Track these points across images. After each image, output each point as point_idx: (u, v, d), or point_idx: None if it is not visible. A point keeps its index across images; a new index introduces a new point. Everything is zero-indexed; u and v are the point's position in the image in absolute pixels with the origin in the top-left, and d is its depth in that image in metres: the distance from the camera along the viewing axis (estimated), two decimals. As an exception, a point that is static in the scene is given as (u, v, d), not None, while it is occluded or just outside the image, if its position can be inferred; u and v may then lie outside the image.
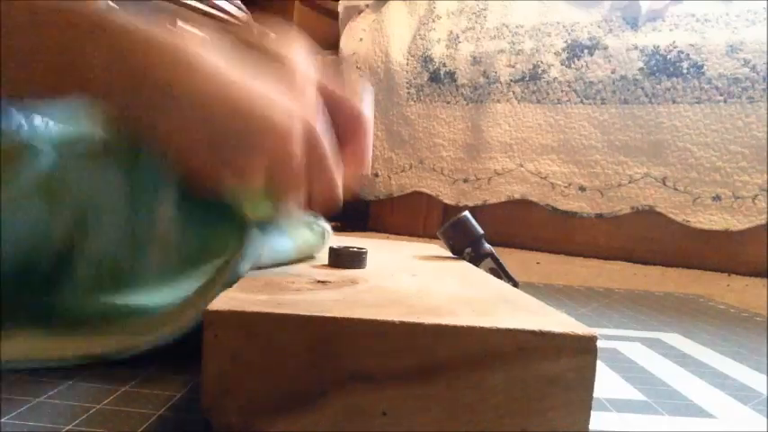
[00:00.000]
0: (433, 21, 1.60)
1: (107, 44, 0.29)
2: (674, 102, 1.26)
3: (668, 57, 1.26)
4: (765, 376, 0.46)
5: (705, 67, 1.22)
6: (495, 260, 0.50)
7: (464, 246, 0.50)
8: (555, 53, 1.40)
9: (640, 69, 1.29)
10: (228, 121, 0.30)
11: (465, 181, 1.50)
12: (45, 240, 0.34)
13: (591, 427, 0.23)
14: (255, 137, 0.30)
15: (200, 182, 0.32)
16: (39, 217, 0.34)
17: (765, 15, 1.19)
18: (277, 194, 0.32)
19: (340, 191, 0.33)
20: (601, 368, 0.43)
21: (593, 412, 0.23)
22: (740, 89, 1.19)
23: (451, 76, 1.53)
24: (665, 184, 1.26)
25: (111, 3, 0.31)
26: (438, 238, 0.52)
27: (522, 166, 1.42)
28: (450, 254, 0.51)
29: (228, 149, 0.30)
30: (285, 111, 0.31)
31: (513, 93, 1.44)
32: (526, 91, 1.43)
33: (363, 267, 0.37)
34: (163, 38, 0.30)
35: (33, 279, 0.35)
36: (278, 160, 0.30)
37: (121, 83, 0.30)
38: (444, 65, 1.54)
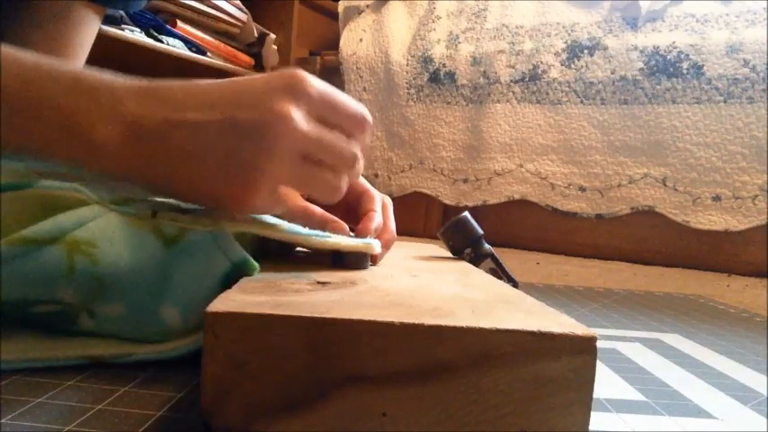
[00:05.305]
0: (433, 21, 1.60)
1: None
2: (673, 102, 1.26)
3: (668, 57, 1.26)
4: (765, 376, 0.46)
5: (705, 68, 1.22)
6: (495, 260, 0.50)
7: (464, 246, 0.50)
8: (555, 53, 1.39)
9: (640, 70, 1.29)
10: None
11: (465, 181, 1.50)
12: (53, 291, 0.33)
13: (591, 427, 0.23)
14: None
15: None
16: (55, 268, 0.32)
17: (765, 15, 1.19)
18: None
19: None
20: (601, 368, 0.43)
21: (593, 412, 0.23)
22: (740, 89, 1.19)
23: (451, 76, 1.53)
24: (664, 184, 1.26)
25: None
26: (438, 239, 0.52)
27: (521, 166, 1.42)
28: (450, 254, 0.51)
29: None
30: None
31: (513, 93, 1.44)
32: (526, 91, 1.43)
33: (366, 268, 0.37)
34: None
35: (35, 314, 0.35)
36: None
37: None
38: (444, 65, 1.53)
